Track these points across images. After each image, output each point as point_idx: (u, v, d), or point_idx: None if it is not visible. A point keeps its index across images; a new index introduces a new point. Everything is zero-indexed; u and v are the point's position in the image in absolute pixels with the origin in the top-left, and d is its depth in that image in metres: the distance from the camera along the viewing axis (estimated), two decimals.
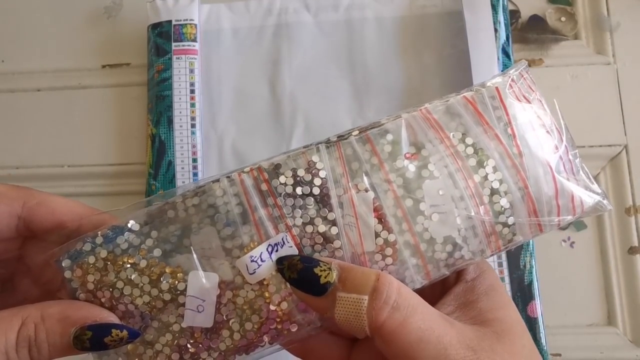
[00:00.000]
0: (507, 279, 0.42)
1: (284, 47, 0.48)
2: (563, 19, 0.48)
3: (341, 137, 0.28)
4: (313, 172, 0.27)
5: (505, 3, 0.45)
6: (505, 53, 0.44)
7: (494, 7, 0.45)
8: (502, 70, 0.44)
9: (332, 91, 0.47)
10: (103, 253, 0.26)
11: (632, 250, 0.43)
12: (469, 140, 0.28)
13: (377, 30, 0.47)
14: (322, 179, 0.27)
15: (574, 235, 0.44)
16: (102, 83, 0.49)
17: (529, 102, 0.29)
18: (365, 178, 0.27)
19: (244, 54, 0.48)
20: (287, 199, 0.27)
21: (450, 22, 0.47)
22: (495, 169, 0.28)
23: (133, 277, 0.26)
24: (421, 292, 0.27)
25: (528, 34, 0.48)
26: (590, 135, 0.45)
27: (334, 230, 0.27)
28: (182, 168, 0.44)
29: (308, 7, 0.48)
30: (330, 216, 0.27)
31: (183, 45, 0.46)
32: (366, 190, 0.27)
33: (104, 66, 0.50)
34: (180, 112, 0.45)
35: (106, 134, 0.48)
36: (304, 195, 0.27)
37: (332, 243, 0.27)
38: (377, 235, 0.27)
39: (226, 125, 0.47)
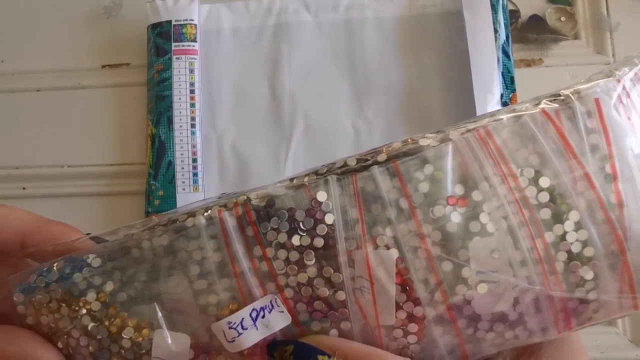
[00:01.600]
0: None
1: (284, 47, 0.48)
2: (563, 18, 0.48)
3: (361, 163, 0.21)
4: (317, 215, 0.20)
5: (505, 3, 0.45)
6: (505, 53, 0.44)
7: (494, 7, 0.45)
8: (501, 72, 0.44)
9: (332, 91, 0.47)
10: (57, 292, 0.22)
11: None
12: (544, 182, 0.20)
13: (376, 30, 0.47)
14: (327, 226, 0.20)
15: None
16: (101, 83, 0.49)
17: None
18: (388, 229, 0.20)
19: (244, 54, 0.48)
20: (279, 251, 0.20)
21: (450, 22, 0.47)
22: (578, 226, 0.19)
23: (90, 327, 0.22)
24: None
25: (528, 34, 0.48)
26: None
27: (340, 295, 0.20)
28: (182, 168, 0.44)
29: (308, 7, 0.48)
30: (336, 277, 0.20)
31: (183, 45, 0.46)
32: (387, 247, 0.20)
33: (103, 66, 0.50)
34: (180, 112, 0.45)
35: (106, 134, 0.48)
36: (302, 247, 0.20)
37: (337, 312, 0.20)
38: (398, 306, 0.20)
39: (226, 125, 0.47)
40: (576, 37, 0.47)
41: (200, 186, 0.44)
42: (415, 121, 0.45)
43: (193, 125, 0.45)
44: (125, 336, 0.22)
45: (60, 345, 0.22)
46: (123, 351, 0.22)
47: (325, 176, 0.21)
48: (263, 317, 0.20)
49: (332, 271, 0.20)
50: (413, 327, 0.20)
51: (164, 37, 0.46)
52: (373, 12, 0.48)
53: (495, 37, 0.44)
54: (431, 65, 0.46)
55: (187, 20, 0.46)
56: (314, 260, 0.20)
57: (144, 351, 0.21)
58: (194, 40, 0.46)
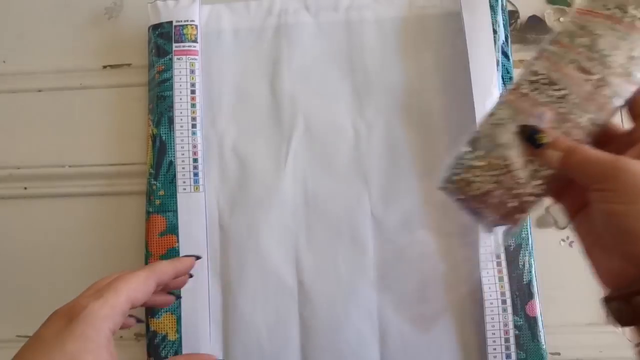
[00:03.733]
0: (506, 278, 0.42)
1: (284, 47, 0.48)
2: (562, 19, 0.48)
3: None
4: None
5: (504, 4, 0.46)
6: (504, 54, 0.44)
7: (493, 8, 0.45)
8: (501, 73, 0.44)
9: (332, 91, 0.47)
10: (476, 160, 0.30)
11: None
12: None
13: (377, 30, 0.47)
14: None
15: (573, 234, 0.44)
16: (103, 83, 0.49)
17: None
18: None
19: (244, 55, 0.48)
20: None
21: (449, 23, 0.47)
22: None
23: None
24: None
25: (527, 35, 0.48)
26: None
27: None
28: (183, 168, 0.44)
29: (308, 7, 0.48)
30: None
31: (184, 46, 0.46)
32: None
33: (105, 67, 0.50)
34: (181, 113, 0.45)
35: (107, 134, 0.48)
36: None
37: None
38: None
39: (226, 126, 0.47)
40: None
41: (200, 186, 0.44)
42: (414, 121, 0.46)
43: (194, 126, 0.45)
44: None
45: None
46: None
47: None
48: None
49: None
50: None
51: (164, 38, 0.46)
52: (373, 13, 0.48)
53: (495, 37, 0.44)
54: (431, 66, 0.46)
55: (187, 21, 0.46)
56: None
57: None
58: (195, 41, 0.46)
